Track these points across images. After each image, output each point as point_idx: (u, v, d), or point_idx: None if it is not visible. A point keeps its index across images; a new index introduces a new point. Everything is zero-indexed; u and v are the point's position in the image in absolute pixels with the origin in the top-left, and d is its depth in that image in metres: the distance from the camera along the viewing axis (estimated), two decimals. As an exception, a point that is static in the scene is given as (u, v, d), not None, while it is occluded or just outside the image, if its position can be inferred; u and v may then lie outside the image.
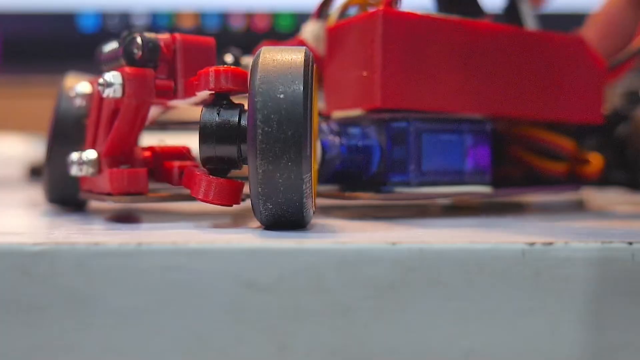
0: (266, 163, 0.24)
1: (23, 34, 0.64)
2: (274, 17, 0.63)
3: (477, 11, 0.34)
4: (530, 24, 0.35)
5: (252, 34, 0.63)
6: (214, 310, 0.22)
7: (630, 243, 0.23)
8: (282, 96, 0.24)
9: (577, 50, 0.34)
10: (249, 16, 0.63)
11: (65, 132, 0.31)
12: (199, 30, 0.63)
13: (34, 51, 0.64)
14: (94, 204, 0.34)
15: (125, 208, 0.34)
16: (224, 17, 0.63)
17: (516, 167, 0.36)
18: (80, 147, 0.30)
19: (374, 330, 0.23)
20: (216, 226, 0.28)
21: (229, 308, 0.22)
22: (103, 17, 0.63)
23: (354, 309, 0.23)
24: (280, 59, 0.25)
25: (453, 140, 0.31)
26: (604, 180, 0.36)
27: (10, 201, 0.39)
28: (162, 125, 0.34)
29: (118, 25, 0.63)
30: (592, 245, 0.23)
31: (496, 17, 0.36)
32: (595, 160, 0.35)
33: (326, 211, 0.32)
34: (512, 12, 0.35)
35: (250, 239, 0.24)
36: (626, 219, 0.33)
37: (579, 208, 0.38)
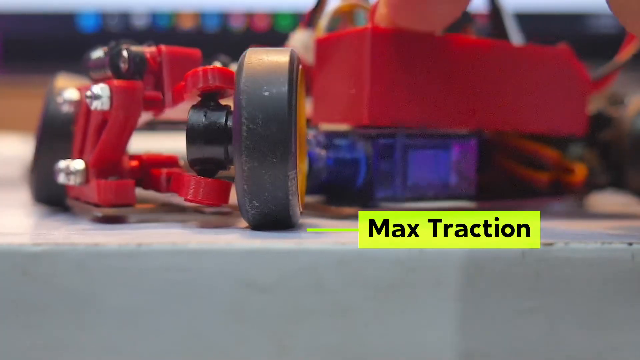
0: (252, 160, 0.24)
1: (23, 34, 0.63)
2: (274, 17, 0.63)
3: (465, 18, 0.34)
4: (515, 36, 0.35)
5: (252, 34, 0.63)
6: (214, 310, 0.22)
7: (630, 243, 0.23)
8: (267, 94, 0.24)
9: (562, 63, 0.34)
10: (249, 16, 0.63)
11: (54, 132, 0.31)
12: (199, 31, 0.63)
13: (34, 51, 0.64)
14: (80, 204, 0.34)
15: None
16: (224, 17, 0.63)
17: (501, 177, 0.36)
18: (69, 149, 0.31)
19: (374, 330, 0.23)
20: (216, 227, 0.28)
21: (229, 308, 0.22)
22: (103, 17, 0.63)
23: (354, 309, 0.23)
24: (266, 58, 0.25)
25: (439, 156, 0.32)
26: (588, 188, 0.37)
27: (10, 201, 0.39)
28: (151, 126, 0.34)
29: (118, 25, 0.63)
30: (592, 245, 0.23)
31: (481, 30, 0.35)
32: (579, 170, 0.35)
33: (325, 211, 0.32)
34: (496, 25, 0.35)
35: (250, 239, 0.24)
36: (626, 219, 0.33)
37: (578, 209, 0.38)
